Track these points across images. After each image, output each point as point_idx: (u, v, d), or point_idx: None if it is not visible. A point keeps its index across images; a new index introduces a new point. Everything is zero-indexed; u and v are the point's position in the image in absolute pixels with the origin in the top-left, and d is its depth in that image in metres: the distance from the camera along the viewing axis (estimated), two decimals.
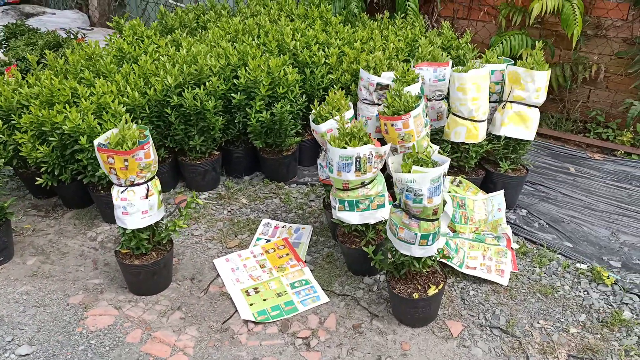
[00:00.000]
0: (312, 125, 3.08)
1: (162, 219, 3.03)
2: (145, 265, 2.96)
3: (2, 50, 5.30)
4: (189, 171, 3.90)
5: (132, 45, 4.00)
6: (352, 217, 2.90)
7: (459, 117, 3.39)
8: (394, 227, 2.58)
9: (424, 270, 2.76)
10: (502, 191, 3.48)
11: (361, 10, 4.76)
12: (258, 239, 3.49)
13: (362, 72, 3.45)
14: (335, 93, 3.06)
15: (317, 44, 4.09)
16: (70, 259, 3.37)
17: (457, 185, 3.48)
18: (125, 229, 2.87)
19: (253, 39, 4.08)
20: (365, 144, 2.77)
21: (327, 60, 3.92)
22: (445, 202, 3.35)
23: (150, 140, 2.78)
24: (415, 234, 2.50)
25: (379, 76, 3.39)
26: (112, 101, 3.33)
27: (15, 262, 3.32)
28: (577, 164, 4.29)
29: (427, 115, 3.38)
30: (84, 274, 3.25)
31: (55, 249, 3.46)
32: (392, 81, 3.29)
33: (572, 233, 3.41)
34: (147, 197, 2.79)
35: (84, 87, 3.44)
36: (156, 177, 2.91)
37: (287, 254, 3.34)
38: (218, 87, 3.63)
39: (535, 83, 3.29)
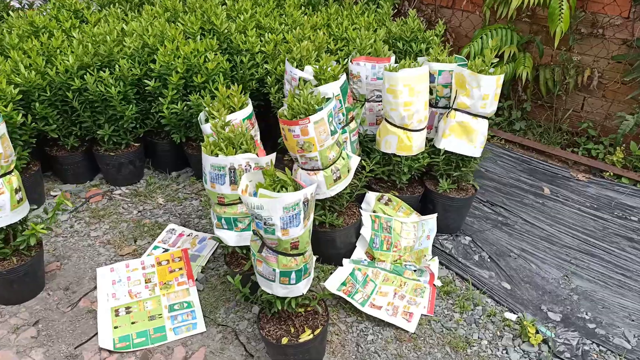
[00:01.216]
0: (201, 125, 2.62)
1: (23, 221, 2.65)
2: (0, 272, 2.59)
3: None
4: (102, 163, 3.51)
5: (52, 19, 3.61)
6: (229, 237, 2.44)
7: (390, 123, 2.87)
8: (253, 258, 2.12)
9: (301, 310, 2.29)
10: (435, 215, 2.95)
11: None
12: (155, 247, 3.08)
13: (287, 63, 2.97)
14: (226, 87, 2.59)
15: (257, 29, 3.61)
16: None
17: (386, 204, 2.96)
18: None
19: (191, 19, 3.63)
20: (246, 151, 2.31)
21: (263, 48, 3.44)
22: (361, 225, 2.86)
23: None
24: (274, 269, 2.04)
25: (303, 70, 2.90)
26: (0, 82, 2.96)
27: None
28: (555, 184, 3.69)
29: (353, 121, 2.89)
30: None
31: None
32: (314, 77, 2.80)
33: (515, 271, 2.86)
34: None
35: None
36: (13, 174, 2.52)
37: (180, 269, 2.92)
38: (131, 71, 3.22)
39: (481, 89, 2.73)
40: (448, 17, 4.47)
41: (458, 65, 2.90)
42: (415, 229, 2.92)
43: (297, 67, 2.94)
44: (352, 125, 2.89)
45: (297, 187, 1.97)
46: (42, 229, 2.60)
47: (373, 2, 4.18)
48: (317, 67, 2.73)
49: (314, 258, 2.27)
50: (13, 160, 2.52)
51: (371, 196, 2.97)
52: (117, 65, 3.19)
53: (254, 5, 3.84)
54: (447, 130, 2.87)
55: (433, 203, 3.04)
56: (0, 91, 2.97)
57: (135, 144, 3.54)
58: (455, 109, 2.86)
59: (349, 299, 2.57)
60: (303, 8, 4.09)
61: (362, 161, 2.87)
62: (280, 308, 2.16)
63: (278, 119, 2.47)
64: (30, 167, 3.34)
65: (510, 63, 4.04)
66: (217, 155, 2.28)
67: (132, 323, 2.60)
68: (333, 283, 2.62)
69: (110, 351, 2.46)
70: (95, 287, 2.82)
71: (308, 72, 2.87)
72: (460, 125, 2.84)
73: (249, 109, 2.61)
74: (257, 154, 2.33)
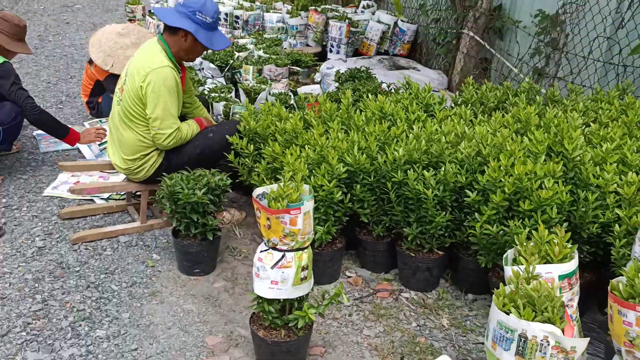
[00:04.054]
0: (504, 265, 2.17)
1: (302, 299, 2.61)
2: (264, 340, 2.61)
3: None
4: (401, 260, 3.35)
5: (403, 109, 3.67)
6: None
7: None
8: None
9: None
10: None
11: None
12: None
13: None
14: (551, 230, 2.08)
15: (620, 164, 2.96)
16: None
17: None
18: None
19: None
20: (547, 321, 1.77)
21: (620, 189, 2.78)
22: None
23: (304, 208, 2.41)
24: None
25: None
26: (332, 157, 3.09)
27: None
28: None
29: None
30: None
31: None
32: None
33: None
34: (274, 266, 2.44)
35: (321, 136, 3.32)
36: (305, 252, 2.52)
37: None
38: (456, 177, 2.99)
39: None
40: None
41: None
42: None
43: None
44: None
45: None
46: (313, 314, 2.52)
47: None
48: None
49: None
50: (309, 238, 2.52)
51: None
52: (443, 169, 3.00)
53: (624, 135, 3.19)
54: None
55: None
56: (329, 167, 3.09)
57: (439, 252, 3.27)
58: None
59: None
60: None
61: None
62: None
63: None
64: (336, 243, 3.39)
65: None
66: (508, 312, 1.81)
67: None
68: None
69: None
70: None
71: None
72: None
73: (571, 265, 2.04)
74: (562, 330, 1.76)
